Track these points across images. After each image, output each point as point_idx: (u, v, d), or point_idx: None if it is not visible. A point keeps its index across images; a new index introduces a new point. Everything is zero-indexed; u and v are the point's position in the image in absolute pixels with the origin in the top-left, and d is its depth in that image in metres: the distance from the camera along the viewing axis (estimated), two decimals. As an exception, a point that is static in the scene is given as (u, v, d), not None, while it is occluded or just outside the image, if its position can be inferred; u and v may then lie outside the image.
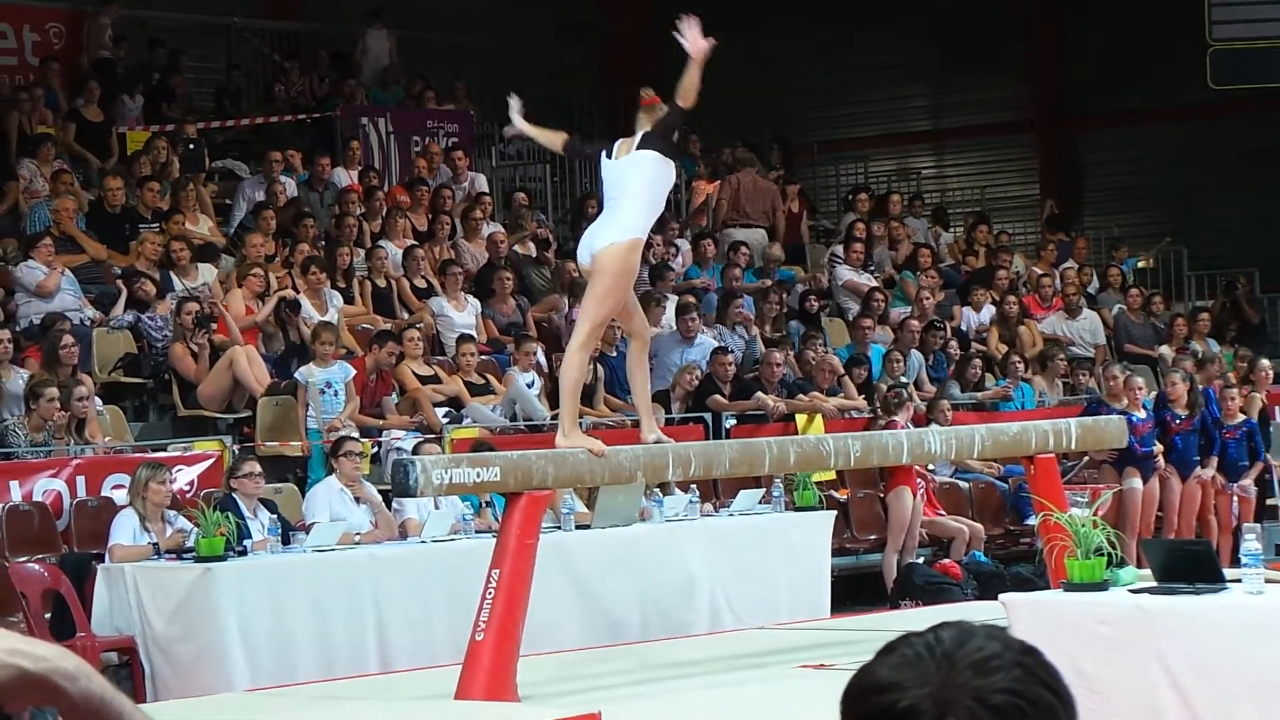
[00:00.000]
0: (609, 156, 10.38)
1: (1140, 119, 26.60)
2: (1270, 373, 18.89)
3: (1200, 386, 17.71)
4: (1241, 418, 17.35)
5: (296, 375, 15.29)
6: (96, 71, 21.01)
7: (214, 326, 15.95)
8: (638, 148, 10.27)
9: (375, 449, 14.78)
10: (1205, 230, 24.78)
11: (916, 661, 2.03)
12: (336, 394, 15.19)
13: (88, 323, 16.08)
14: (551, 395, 16.54)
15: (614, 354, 17.11)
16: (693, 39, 10.05)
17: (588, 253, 10.36)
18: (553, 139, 10.94)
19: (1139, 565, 10.35)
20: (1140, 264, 24.62)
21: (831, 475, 15.92)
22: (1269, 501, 17.29)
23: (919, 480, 16.20)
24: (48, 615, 11.94)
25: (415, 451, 13.27)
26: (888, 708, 2.00)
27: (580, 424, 15.87)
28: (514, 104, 10.79)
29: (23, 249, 16.63)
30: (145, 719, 2.06)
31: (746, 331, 19.00)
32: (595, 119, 24.02)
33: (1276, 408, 19.19)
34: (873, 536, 16.37)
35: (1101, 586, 9.19)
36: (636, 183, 10.24)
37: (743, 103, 26.38)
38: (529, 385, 16.33)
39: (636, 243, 10.33)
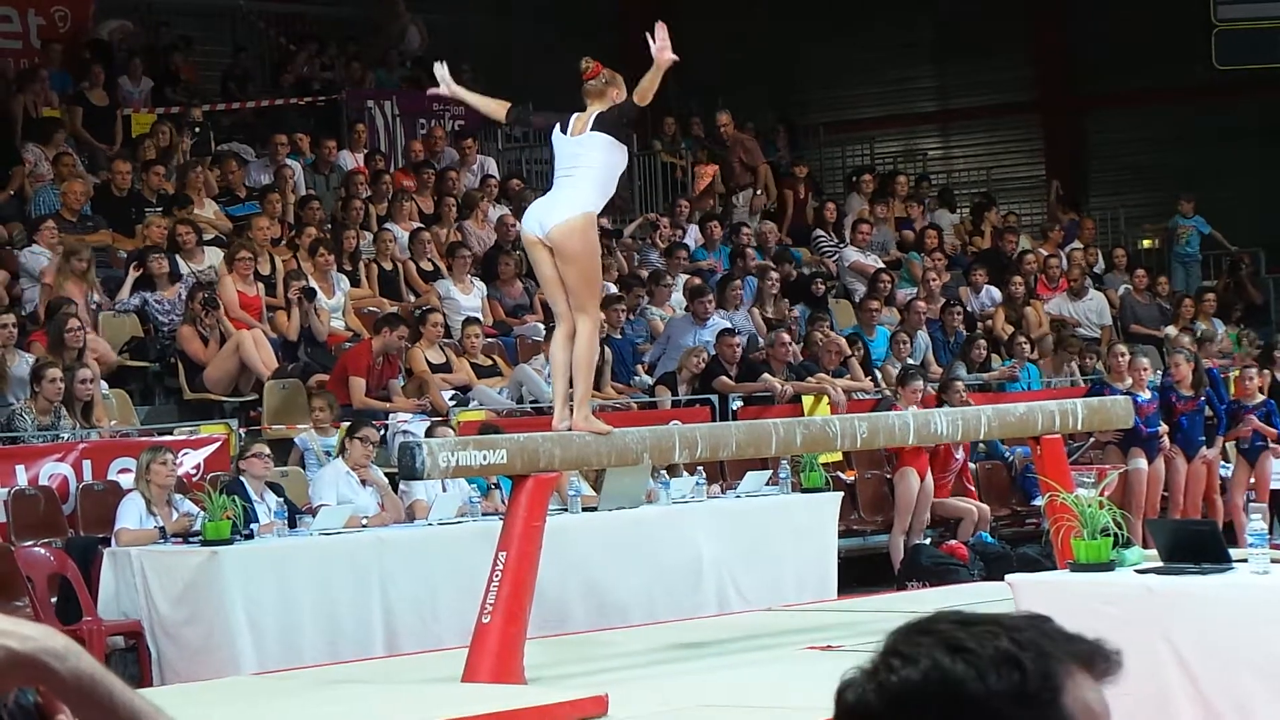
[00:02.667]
0: (564, 131, 10.41)
1: (1145, 99, 26.57)
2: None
3: (1206, 367, 17.70)
4: (1260, 398, 17.33)
5: (296, 441, 15.03)
6: (92, 51, 20.99)
7: (222, 309, 15.94)
8: (591, 128, 10.31)
9: (382, 431, 14.79)
10: (1210, 211, 24.74)
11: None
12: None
13: (94, 306, 16.07)
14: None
15: (619, 336, 17.11)
16: (660, 47, 10.11)
17: (537, 225, 10.34)
18: (494, 108, 10.93)
19: (1145, 545, 10.35)
20: (1145, 243, 24.60)
21: (838, 456, 15.92)
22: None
23: (955, 458, 16.28)
24: (54, 599, 11.95)
25: (429, 434, 13.26)
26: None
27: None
28: (440, 69, 10.84)
29: (27, 233, 16.63)
30: (136, 697, 2.06)
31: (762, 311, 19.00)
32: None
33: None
34: (879, 518, 16.38)
35: (1108, 567, 9.19)
36: (590, 163, 10.30)
37: (748, 85, 26.37)
38: (548, 375, 16.31)
39: (591, 217, 10.41)
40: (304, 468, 14.40)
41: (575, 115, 10.45)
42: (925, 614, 2.04)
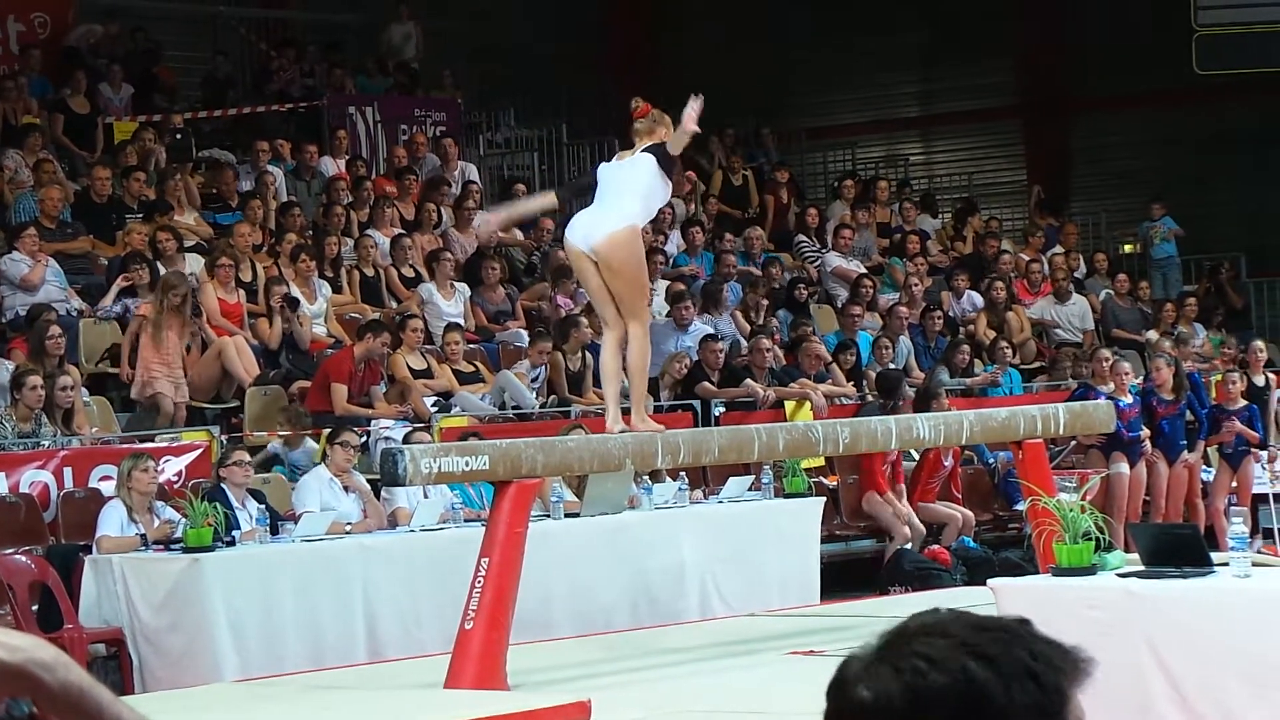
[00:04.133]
0: (610, 160, 10.74)
1: (1127, 104, 26.60)
2: (1264, 354, 18.86)
3: (1187, 371, 17.74)
4: (1243, 402, 17.35)
5: (269, 447, 15.02)
6: (68, 57, 20.96)
7: (204, 316, 15.92)
8: (644, 150, 10.57)
9: (364, 438, 14.77)
10: (1192, 216, 24.79)
11: (874, 640, 2.06)
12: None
13: (74, 314, 16.04)
14: (551, 384, 16.52)
15: (600, 342, 17.09)
16: (691, 117, 10.36)
17: (582, 239, 10.52)
18: (541, 202, 11.12)
19: (1127, 549, 10.36)
20: (1127, 248, 24.62)
21: (821, 462, 15.92)
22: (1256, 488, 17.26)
23: (944, 464, 16.30)
24: (35, 607, 11.90)
25: (407, 441, 13.25)
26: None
27: (566, 413, 15.98)
28: (480, 215, 11.06)
29: (8, 240, 16.58)
30: (125, 708, 2.05)
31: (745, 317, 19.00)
32: (588, 106, 24.00)
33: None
34: (862, 523, 16.38)
35: (1090, 571, 9.20)
36: (635, 181, 10.52)
37: (730, 90, 26.37)
38: (534, 380, 16.31)
39: (636, 230, 10.64)
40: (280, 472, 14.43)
41: (621, 153, 10.76)
42: (931, 612, 2.05)
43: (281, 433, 14.83)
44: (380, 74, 23.71)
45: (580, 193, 11.53)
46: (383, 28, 24.52)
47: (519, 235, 19.99)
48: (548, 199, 11.07)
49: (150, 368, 14.95)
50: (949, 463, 16.54)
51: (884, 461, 16.12)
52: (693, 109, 10.34)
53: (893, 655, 2.00)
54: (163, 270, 16.67)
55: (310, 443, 14.68)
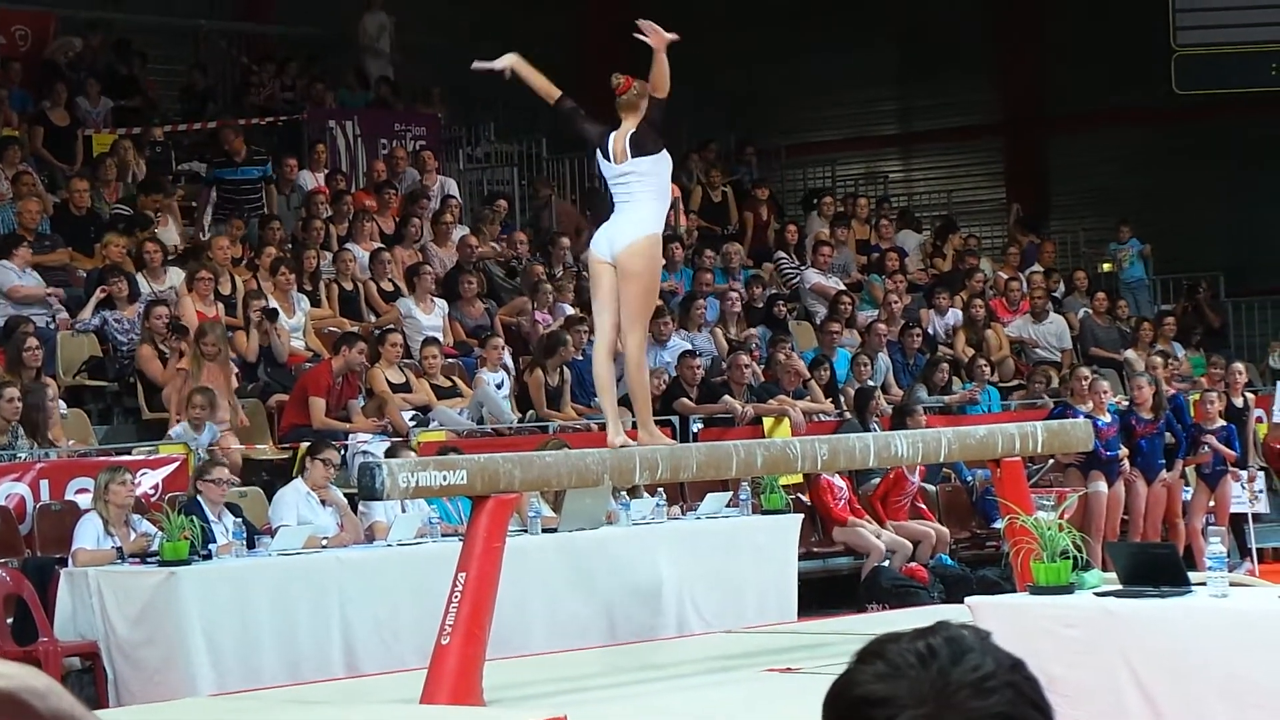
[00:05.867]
0: (605, 155, 10.65)
1: (1106, 123, 26.68)
2: (1243, 376, 18.90)
3: (1172, 393, 17.78)
4: (1221, 422, 17.38)
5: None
6: (47, 71, 20.92)
7: (188, 332, 15.86)
8: (631, 155, 10.52)
9: (341, 452, 14.74)
10: (1171, 234, 24.86)
11: (910, 673, 1.97)
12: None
13: (52, 325, 16.00)
14: (520, 398, 16.52)
15: (580, 357, 17.09)
16: (653, 31, 10.29)
17: (608, 247, 10.59)
18: (549, 90, 10.99)
19: (1104, 568, 10.38)
20: (1106, 267, 24.67)
21: (799, 478, 15.92)
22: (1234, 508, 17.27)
23: (910, 481, 16.31)
24: (10, 620, 11.86)
25: (390, 455, 13.22)
26: None
27: (545, 428, 15.96)
28: (500, 60, 10.90)
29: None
30: None
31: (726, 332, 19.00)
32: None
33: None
34: (840, 541, 16.37)
35: (1067, 590, 9.20)
36: (642, 184, 10.56)
37: (709, 106, 26.39)
38: (498, 386, 16.31)
39: (656, 238, 10.69)
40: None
41: (613, 134, 10.64)
42: (991, 651, 2.02)
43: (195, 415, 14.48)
44: (361, 88, 23.70)
45: (578, 131, 11.32)
46: (355, 20, 24.44)
47: (495, 247, 20.00)
48: (555, 93, 10.96)
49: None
50: (915, 480, 16.55)
51: (834, 497, 16.13)
52: (648, 27, 10.24)
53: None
54: (142, 282, 16.65)
55: (211, 427, 14.45)
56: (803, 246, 22.26)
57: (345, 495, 13.40)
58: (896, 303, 20.49)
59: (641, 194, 10.59)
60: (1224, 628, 8.69)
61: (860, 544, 16.07)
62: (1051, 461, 16.91)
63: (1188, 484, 17.79)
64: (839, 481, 16.23)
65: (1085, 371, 17.71)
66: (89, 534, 12.17)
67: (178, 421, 14.52)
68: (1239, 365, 19.06)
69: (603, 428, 11.06)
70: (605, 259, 10.62)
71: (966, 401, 18.71)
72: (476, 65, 11.06)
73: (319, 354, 16.61)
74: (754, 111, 28.02)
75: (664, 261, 20.54)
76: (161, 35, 24.25)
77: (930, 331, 20.62)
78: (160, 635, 11.53)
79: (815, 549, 16.12)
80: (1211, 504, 17.29)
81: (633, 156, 10.55)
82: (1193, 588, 9.02)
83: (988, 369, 19.29)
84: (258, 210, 19.49)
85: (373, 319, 17.87)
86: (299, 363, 16.55)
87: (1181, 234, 25.13)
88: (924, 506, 16.81)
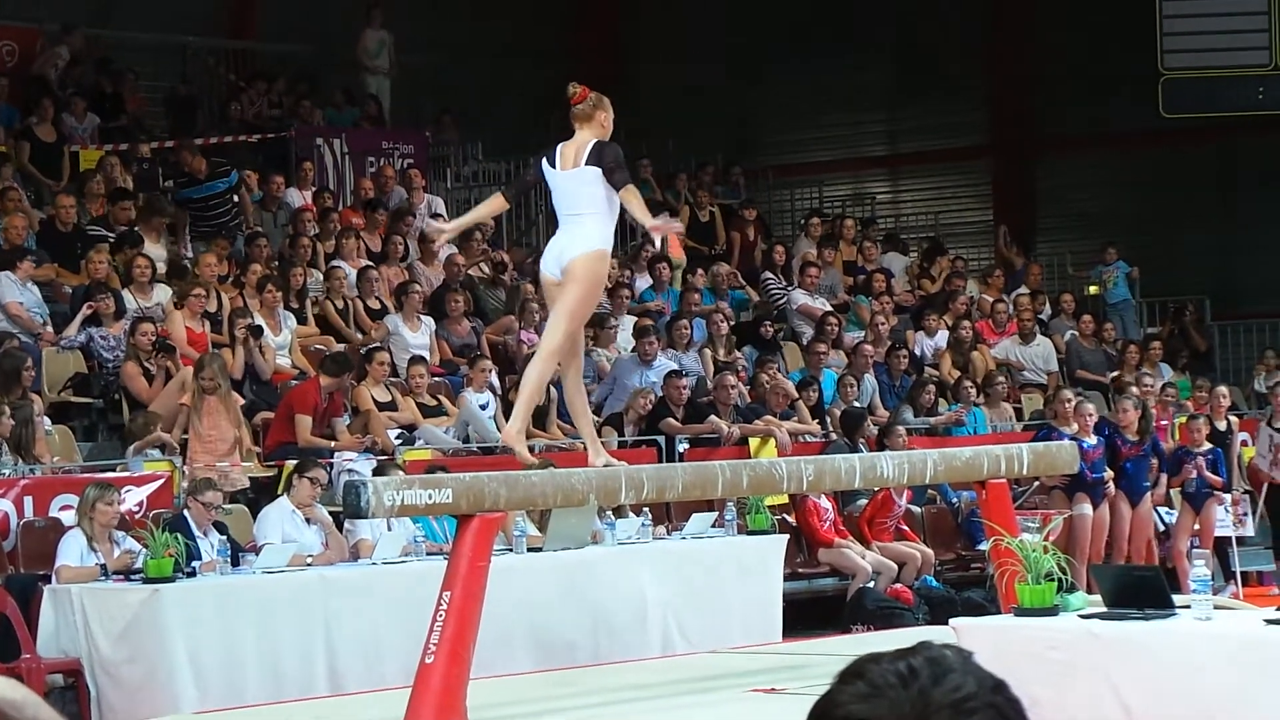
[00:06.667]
0: (552, 163, 10.33)
1: (1093, 146, 26.73)
2: (1226, 400, 18.93)
3: (1154, 414, 17.79)
4: (1207, 446, 17.40)
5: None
6: (36, 87, 20.89)
7: (177, 353, 15.83)
8: (587, 162, 10.22)
9: (327, 470, 14.72)
10: (1157, 257, 24.89)
11: (890, 693, 1.97)
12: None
13: (35, 341, 15.96)
14: (507, 416, 16.48)
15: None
16: (662, 228, 10.48)
17: (556, 265, 10.30)
18: (491, 205, 10.99)
19: (1089, 591, 10.38)
20: (1092, 290, 24.70)
21: (784, 499, 15.92)
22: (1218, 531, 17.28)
23: (897, 504, 16.32)
24: (-7, 636, 11.84)
25: (379, 473, 13.19)
26: None
27: (532, 447, 15.93)
28: (430, 222, 10.88)
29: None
30: None
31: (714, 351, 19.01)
32: (555, 140, 23.96)
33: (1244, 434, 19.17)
34: (825, 561, 16.37)
35: (1052, 612, 9.21)
36: (591, 199, 10.20)
37: (698, 127, 26.40)
38: (483, 406, 16.30)
39: (604, 253, 10.40)
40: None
41: (561, 145, 10.37)
42: (973, 671, 2.02)
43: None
44: (348, 105, 23.70)
45: (525, 189, 11.32)
46: (343, 38, 24.47)
47: (483, 268, 19.99)
48: (496, 201, 10.89)
49: (195, 459, 14.38)
50: (902, 502, 16.56)
51: (820, 518, 16.14)
52: (667, 225, 10.33)
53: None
54: (128, 299, 16.62)
55: (153, 452, 14.43)
56: (789, 267, 22.27)
57: (330, 513, 13.38)
58: (883, 324, 20.50)
59: (590, 211, 10.19)
60: (1208, 651, 8.70)
61: (845, 565, 16.07)
62: (1037, 484, 16.92)
63: (1171, 507, 17.80)
64: (825, 502, 16.24)
65: (1069, 394, 17.72)
66: (73, 550, 12.14)
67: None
68: (1223, 389, 19.10)
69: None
70: (555, 278, 10.34)
71: (952, 423, 18.73)
72: (429, 225, 11.09)
73: (305, 371, 16.59)
74: (743, 132, 28.04)
75: (651, 283, 20.76)
76: (148, 51, 24.22)
77: (917, 353, 20.63)
78: (143, 653, 11.50)
79: (800, 570, 16.11)
80: (1196, 527, 17.30)
81: (587, 165, 10.19)
82: (1177, 611, 9.03)
83: (973, 391, 19.30)
84: (233, 222, 19.43)
85: (359, 337, 17.85)
86: (285, 380, 16.52)
87: (1168, 257, 25.16)
88: (909, 528, 16.83)
